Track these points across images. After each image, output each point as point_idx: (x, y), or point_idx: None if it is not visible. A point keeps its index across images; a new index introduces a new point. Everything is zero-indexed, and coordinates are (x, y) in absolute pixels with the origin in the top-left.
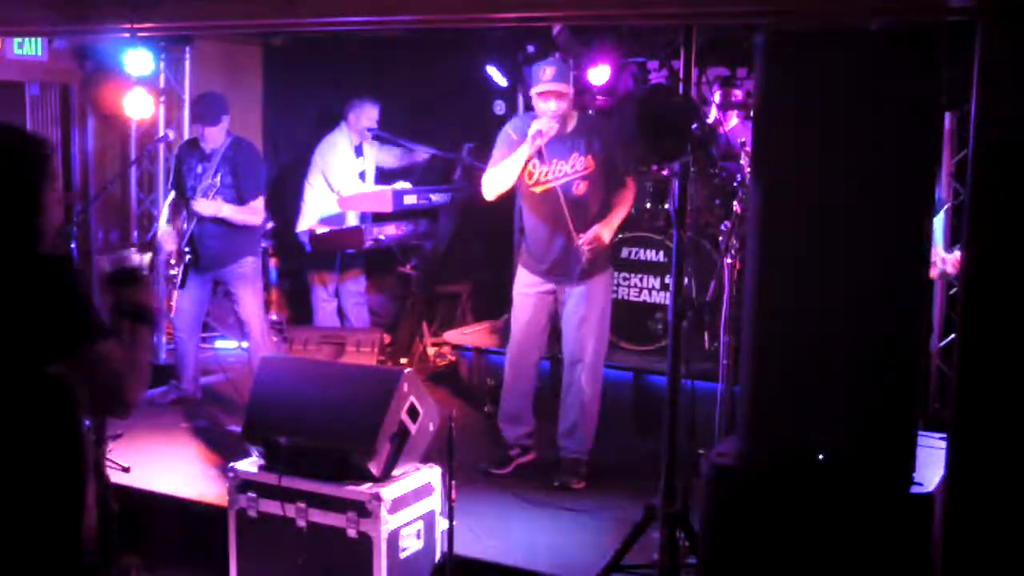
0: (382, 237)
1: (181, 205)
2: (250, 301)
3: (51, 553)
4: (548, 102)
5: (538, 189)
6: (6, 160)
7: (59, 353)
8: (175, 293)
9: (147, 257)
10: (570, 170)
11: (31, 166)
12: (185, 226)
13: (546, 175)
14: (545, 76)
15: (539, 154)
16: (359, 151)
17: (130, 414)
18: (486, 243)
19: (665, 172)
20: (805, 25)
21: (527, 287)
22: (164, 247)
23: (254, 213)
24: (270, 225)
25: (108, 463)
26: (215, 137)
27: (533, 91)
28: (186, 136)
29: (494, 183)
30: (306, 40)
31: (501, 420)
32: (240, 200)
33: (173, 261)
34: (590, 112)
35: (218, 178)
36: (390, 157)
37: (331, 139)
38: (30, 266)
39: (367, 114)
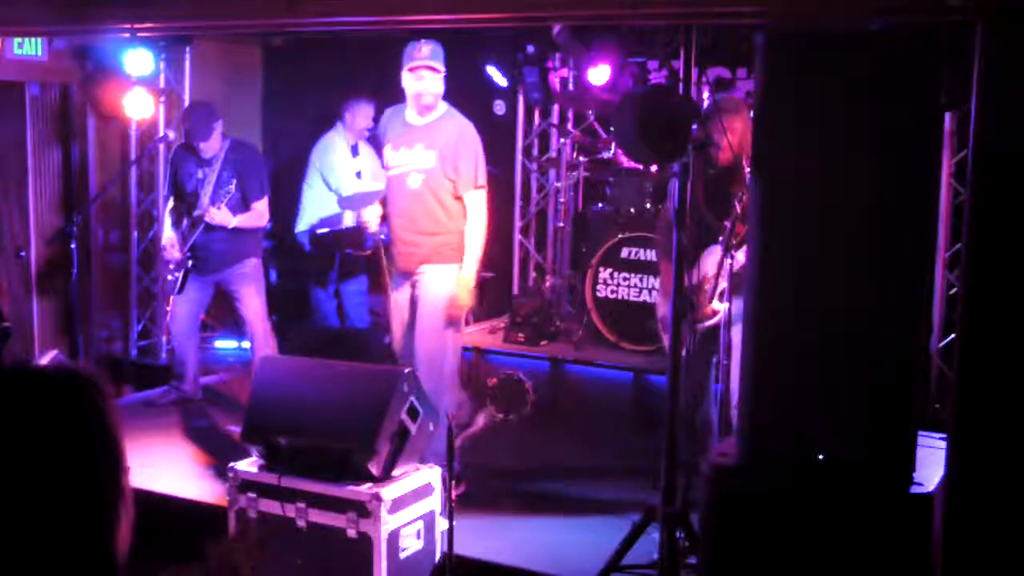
0: (382, 237)
1: (181, 210)
2: (253, 301)
3: None
4: (421, 79)
5: (390, 174)
6: None
7: None
8: (172, 298)
9: None
10: (409, 160)
11: None
12: (187, 232)
13: (395, 161)
14: (420, 53)
15: (393, 141)
16: (355, 151)
17: None
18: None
19: (655, 169)
20: (805, 25)
21: (391, 285)
22: (170, 256)
23: (259, 217)
24: (270, 225)
25: None
26: (212, 146)
27: (405, 68)
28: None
29: None
30: (306, 40)
31: None
32: (244, 202)
33: (172, 267)
34: (458, 112)
35: (234, 184)
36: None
37: (327, 139)
38: None
39: (363, 114)
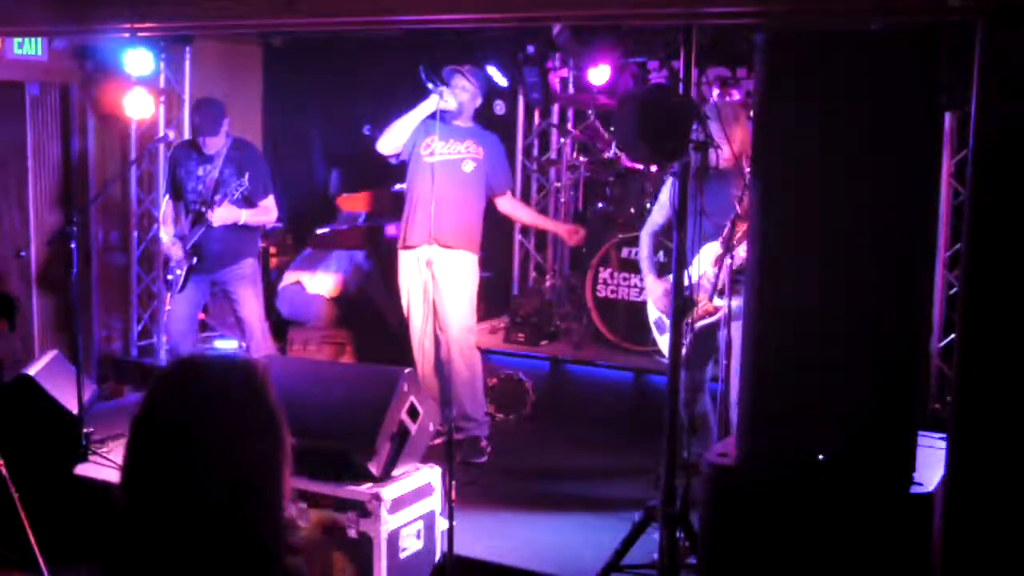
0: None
1: (180, 208)
2: (251, 301)
3: None
4: (460, 82)
5: (431, 159)
6: None
7: None
8: (170, 297)
9: None
10: (463, 150)
11: None
12: (187, 230)
13: (441, 150)
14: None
15: (439, 131)
16: None
17: None
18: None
19: (655, 169)
20: (805, 25)
21: (408, 264)
22: (172, 257)
23: (267, 212)
24: (271, 225)
25: (107, 463)
26: (216, 143)
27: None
28: (186, 136)
29: (390, 136)
30: (306, 40)
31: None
32: (247, 201)
33: (174, 264)
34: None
35: (246, 177)
36: None
37: None
38: None
39: None
